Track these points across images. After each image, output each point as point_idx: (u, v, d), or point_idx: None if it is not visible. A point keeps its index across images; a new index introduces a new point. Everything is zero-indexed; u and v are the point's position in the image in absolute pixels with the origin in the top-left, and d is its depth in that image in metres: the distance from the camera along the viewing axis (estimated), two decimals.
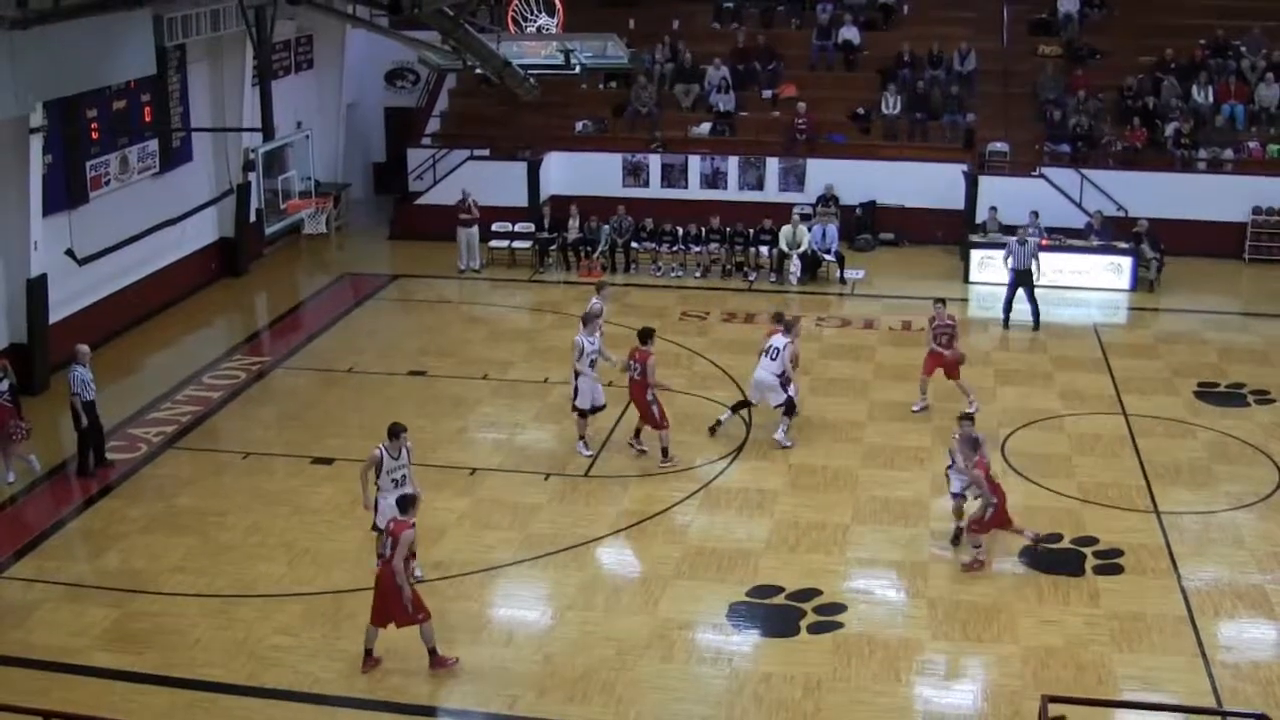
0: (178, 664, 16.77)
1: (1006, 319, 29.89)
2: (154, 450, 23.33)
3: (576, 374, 22.84)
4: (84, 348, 22.40)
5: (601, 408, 23.24)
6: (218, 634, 17.46)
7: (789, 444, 23.28)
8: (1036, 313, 29.69)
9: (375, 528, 18.18)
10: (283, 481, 22.08)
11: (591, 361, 22.83)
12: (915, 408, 24.77)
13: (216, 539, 20.05)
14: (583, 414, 23.04)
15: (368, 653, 16.73)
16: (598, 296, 24.47)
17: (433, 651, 16.66)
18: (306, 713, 15.84)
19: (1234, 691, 16.22)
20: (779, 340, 23.09)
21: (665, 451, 22.60)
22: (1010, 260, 29.81)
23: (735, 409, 23.97)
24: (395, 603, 16.24)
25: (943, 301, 25.12)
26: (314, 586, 18.55)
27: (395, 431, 18.48)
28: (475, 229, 34.06)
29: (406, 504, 16.54)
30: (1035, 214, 32.59)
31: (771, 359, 23.00)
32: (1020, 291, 29.67)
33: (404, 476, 18.38)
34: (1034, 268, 29.55)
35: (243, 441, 23.74)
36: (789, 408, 23.36)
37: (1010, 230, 32.34)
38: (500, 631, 17.67)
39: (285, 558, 19.45)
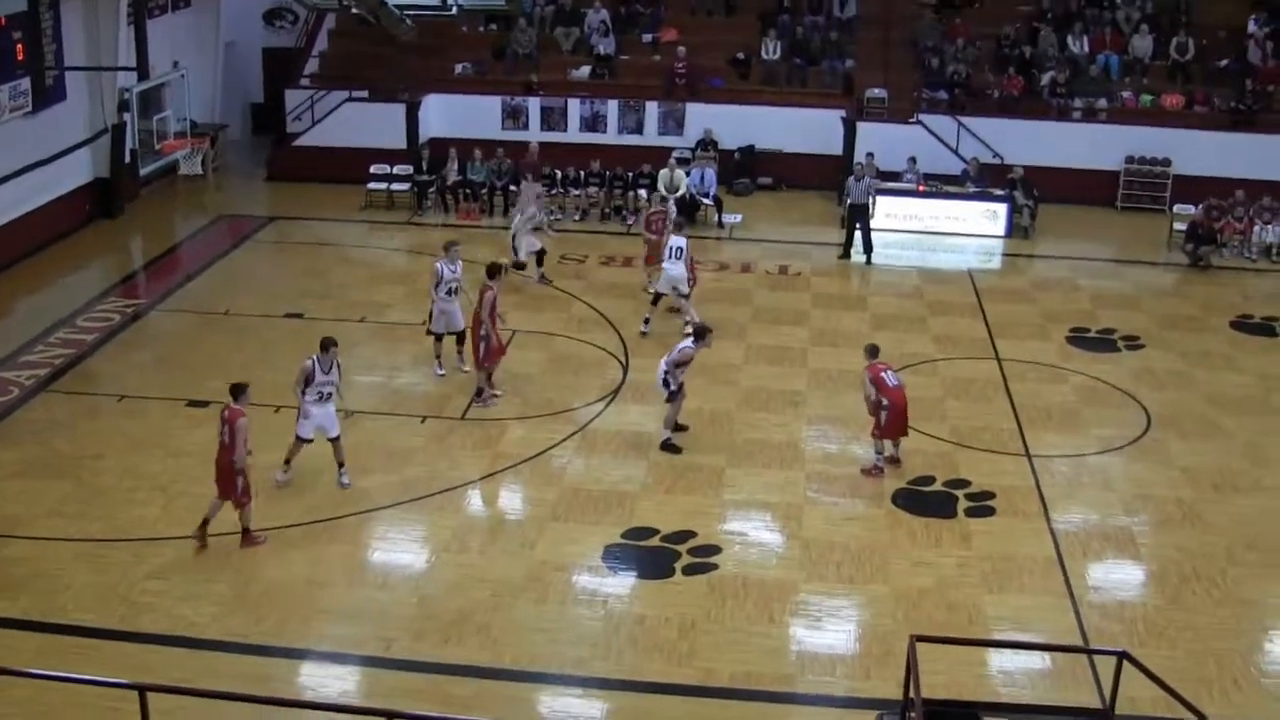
0: (50, 609, 16.59)
1: (847, 250, 30.83)
2: (26, 393, 22.95)
3: (433, 300, 23.53)
4: None
5: (459, 333, 23.67)
6: (91, 578, 17.29)
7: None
8: (869, 245, 30.61)
9: (299, 438, 19.58)
10: (158, 424, 21.83)
11: (450, 289, 23.40)
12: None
13: (91, 483, 19.83)
14: (438, 337, 23.74)
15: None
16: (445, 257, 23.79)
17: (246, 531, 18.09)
18: (179, 656, 15.73)
19: (1100, 630, 16.62)
20: None
21: (479, 391, 22.85)
22: (848, 196, 30.69)
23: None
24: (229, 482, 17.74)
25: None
26: (188, 530, 18.31)
27: (326, 345, 19.39)
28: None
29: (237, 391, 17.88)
30: (913, 160, 33.00)
31: None
32: (856, 225, 30.64)
33: (331, 392, 19.35)
34: (870, 204, 30.34)
35: (118, 384, 23.45)
36: None
37: (890, 176, 32.79)
38: (375, 574, 17.68)
39: (160, 501, 19.26)
